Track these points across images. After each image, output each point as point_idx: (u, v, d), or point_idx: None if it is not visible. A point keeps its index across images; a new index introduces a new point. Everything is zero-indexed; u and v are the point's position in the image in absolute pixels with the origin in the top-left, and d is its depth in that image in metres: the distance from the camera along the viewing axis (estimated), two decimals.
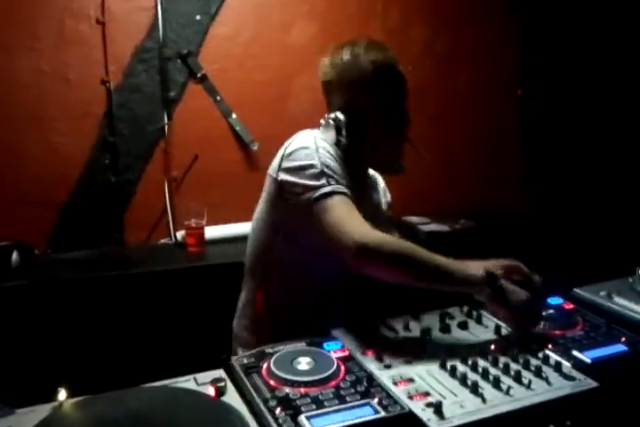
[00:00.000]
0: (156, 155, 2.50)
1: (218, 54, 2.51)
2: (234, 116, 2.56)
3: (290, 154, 1.41)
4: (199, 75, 2.48)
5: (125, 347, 2.11)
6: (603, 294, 1.51)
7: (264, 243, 1.56)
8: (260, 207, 1.55)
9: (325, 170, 1.35)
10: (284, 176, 1.39)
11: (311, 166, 1.35)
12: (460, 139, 3.01)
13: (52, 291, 2.09)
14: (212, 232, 2.52)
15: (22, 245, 2.13)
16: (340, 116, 1.48)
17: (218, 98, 2.53)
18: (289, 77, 2.65)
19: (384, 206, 1.74)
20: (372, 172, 1.70)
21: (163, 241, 2.57)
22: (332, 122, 1.49)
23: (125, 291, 2.17)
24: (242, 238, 2.53)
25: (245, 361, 1.17)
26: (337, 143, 1.48)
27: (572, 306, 1.46)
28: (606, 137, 3.09)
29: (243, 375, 1.11)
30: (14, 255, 2.09)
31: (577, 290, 1.56)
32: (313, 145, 1.40)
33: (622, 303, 1.46)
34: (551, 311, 1.40)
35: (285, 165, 1.40)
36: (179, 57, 2.44)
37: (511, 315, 1.28)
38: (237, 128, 2.57)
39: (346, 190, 1.35)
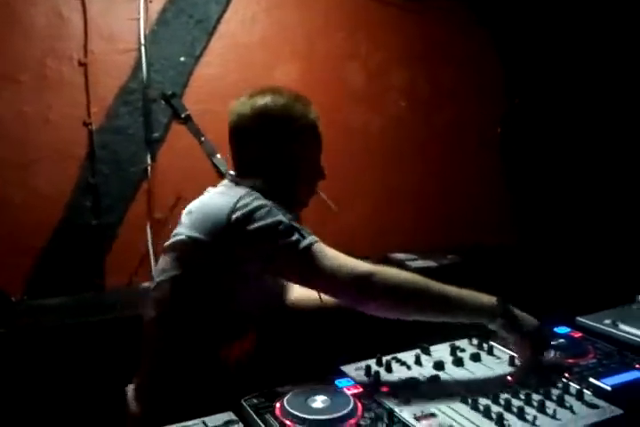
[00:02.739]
0: (138, 196, 2.46)
1: (202, 95, 2.51)
2: (218, 156, 2.53)
3: (246, 216, 1.25)
4: (183, 115, 2.45)
5: (111, 394, 2.01)
6: (607, 321, 1.51)
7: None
8: (179, 277, 1.34)
9: (293, 224, 1.27)
10: (246, 241, 1.26)
11: (280, 223, 1.25)
12: (445, 177, 3.05)
13: (29, 338, 1.99)
14: None
15: None
16: (259, 166, 1.41)
17: (202, 138, 2.50)
18: None
19: None
20: None
21: (144, 285, 2.48)
22: (248, 182, 1.38)
23: (107, 337, 2.07)
24: None
25: (256, 401, 1.11)
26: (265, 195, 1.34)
27: (580, 334, 1.45)
28: (588, 166, 3.19)
29: (255, 416, 1.06)
30: None
31: (580, 319, 1.55)
32: (264, 201, 1.29)
33: (628, 330, 1.46)
34: (561, 340, 1.39)
35: (244, 228, 1.25)
36: (163, 98, 2.42)
37: (523, 342, 1.26)
38: (222, 168, 2.53)
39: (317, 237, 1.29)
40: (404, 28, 2.92)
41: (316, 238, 1.28)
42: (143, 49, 2.37)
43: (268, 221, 1.25)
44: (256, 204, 1.26)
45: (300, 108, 1.42)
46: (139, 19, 2.35)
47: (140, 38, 2.36)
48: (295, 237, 1.25)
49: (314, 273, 1.25)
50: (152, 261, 2.47)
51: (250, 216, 1.25)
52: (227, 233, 1.25)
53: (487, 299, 1.26)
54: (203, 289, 1.33)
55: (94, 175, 2.35)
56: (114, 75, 2.36)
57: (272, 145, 1.39)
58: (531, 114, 3.23)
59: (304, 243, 1.25)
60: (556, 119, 3.21)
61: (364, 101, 2.82)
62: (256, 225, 1.24)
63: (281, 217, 1.26)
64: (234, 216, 1.24)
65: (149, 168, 2.44)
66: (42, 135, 2.27)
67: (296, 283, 1.40)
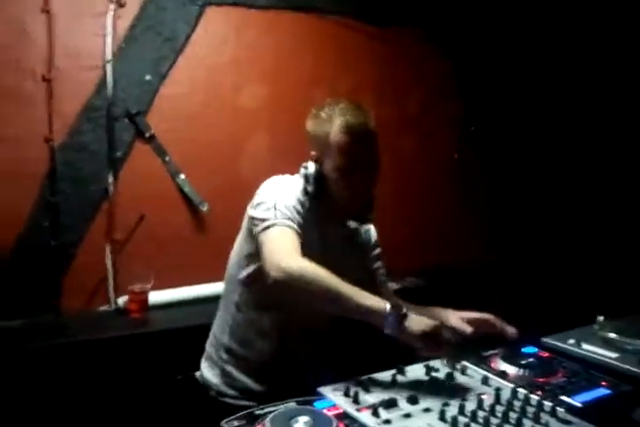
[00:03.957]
0: (99, 216, 2.38)
1: (167, 114, 2.48)
2: (182, 176, 2.51)
3: (258, 192, 1.53)
4: (147, 134, 2.43)
5: (65, 420, 1.94)
6: (571, 341, 1.56)
7: (236, 277, 1.59)
8: (238, 241, 1.63)
9: (277, 205, 1.44)
10: (250, 211, 1.51)
11: (266, 202, 1.46)
12: (410, 201, 3.10)
13: None
14: (156, 297, 2.40)
15: None
16: (311, 166, 1.56)
17: (166, 158, 2.48)
18: (239, 139, 2.65)
19: (363, 259, 1.76)
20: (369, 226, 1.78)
21: (102, 308, 2.41)
22: (302, 170, 1.58)
23: (63, 361, 2.01)
24: (189, 303, 2.47)
25: (236, 424, 1.10)
26: (305, 191, 1.54)
27: (547, 354, 1.50)
28: (543, 187, 3.35)
29: None
30: None
31: (545, 339, 1.60)
32: (277, 185, 1.53)
33: (591, 349, 1.52)
34: (531, 360, 1.43)
35: (253, 201, 1.52)
36: (127, 116, 2.39)
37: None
38: (186, 189, 2.52)
39: (291, 223, 1.42)
40: (371, 55, 2.97)
41: (287, 223, 1.42)
42: (109, 66, 2.32)
43: (262, 199, 1.48)
44: (269, 184, 1.53)
45: (341, 118, 1.50)
46: (106, 35, 2.31)
47: (106, 55, 2.32)
48: (268, 215, 1.43)
49: (260, 251, 1.40)
50: (111, 282, 2.41)
51: (259, 192, 1.52)
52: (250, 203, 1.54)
53: (382, 302, 1.29)
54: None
55: (54, 194, 2.27)
56: (78, 91, 2.30)
57: (315, 149, 1.56)
58: (486, 139, 3.34)
59: (267, 222, 1.42)
60: (506, 146, 3.36)
61: None
62: (256, 200, 1.50)
63: (272, 198, 1.46)
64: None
65: (111, 187, 2.38)
66: (0, 151, 2.19)
67: None
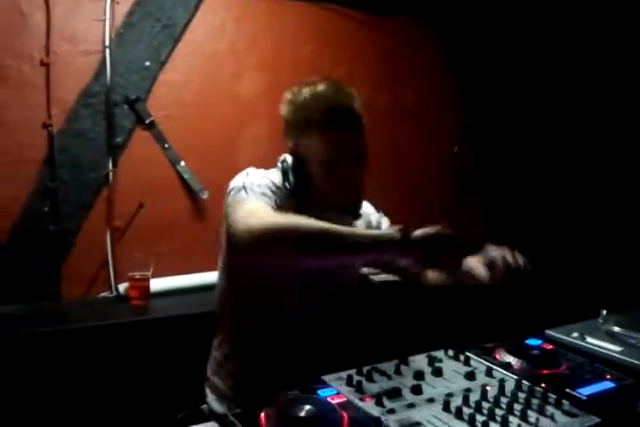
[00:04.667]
0: (98, 203, 2.36)
1: (167, 101, 2.45)
2: (182, 163, 2.49)
3: (228, 192, 1.41)
4: (147, 121, 2.40)
5: (64, 408, 1.93)
6: (575, 335, 1.56)
7: (224, 288, 1.56)
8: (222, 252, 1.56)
9: (247, 185, 1.35)
10: (224, 207, 1.39)
11: (235, 187, 1.37)
12: (403, 194, 3.07)
13: None
14: (156, 285, 2.39)
15: None
16: (288, 158, 1.46)
17: (166, 145, 2.46)
18: (239, 126, 2.63)
19: None
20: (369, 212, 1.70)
21: (102, 295, 2.40)
22: (279, 165, 1.48)
23: (63, 348, 1.99)
24: (188, 291, 2.45)
25: (240, 411, 1.09)
26: (285, 186, 1.44)
27: (551, 346, 1.49)
28: (544, 180, 3.33)
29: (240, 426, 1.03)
30: None
31: (549, 332, 1.59)
32: (247, 172, 1.44)
33: (595, 343, 1.51)
34: (535, 352, 1.42)
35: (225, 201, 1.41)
36: (126, 102, 2.36)
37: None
38: (186, 176, 2.50)
39: (266, 199, 1.32)
40: (369, 44, 2.94)
41: (254, 198, 1.31)
42: (108, 51, 2.29)
43: (231, 188, 1.38)
44: (236, 179, 1.41)
45: (323, 99, 1.40)
46: (104, 20, 2.27)
47: (104, 40, 2.28)
48: (240, 194, 1.33)
49: (230, 220, 1.28)
50: (111, 269, 2.39)
51: (229, 190, 1.40)
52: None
53: (383, 230, 1.29)
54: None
55: (53, 180, 2.25)
56: (76, 76, 2.27)
57: (296, 135, 1.45)
58: (486, 132, 3.31)
59: (239, 196, 1.32)
60: (505, 139, 3.32)
61: None
62: (227, 197, 1.39)
63: (240, 183, 1.36)
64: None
65: (110, 174, 2.36)
66: None
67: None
